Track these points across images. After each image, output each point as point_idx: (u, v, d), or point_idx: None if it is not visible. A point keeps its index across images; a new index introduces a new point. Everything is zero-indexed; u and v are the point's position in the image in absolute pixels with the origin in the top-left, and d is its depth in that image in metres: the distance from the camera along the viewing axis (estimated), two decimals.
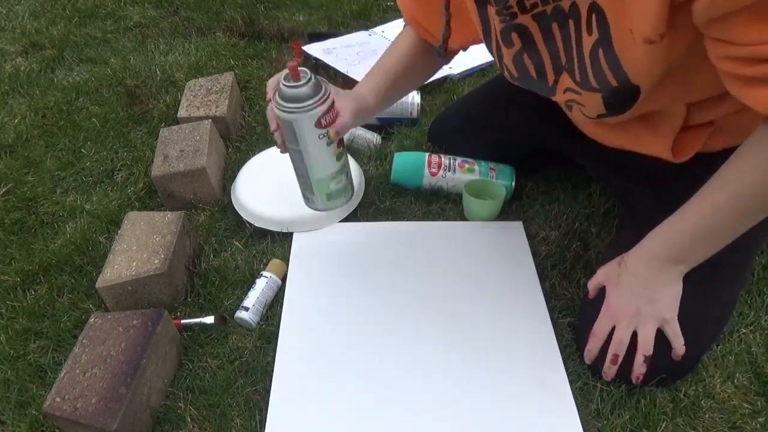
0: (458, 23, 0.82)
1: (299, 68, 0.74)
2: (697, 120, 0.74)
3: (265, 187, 1.03)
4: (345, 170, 0.85)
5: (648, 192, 0.86)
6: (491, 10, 0.72)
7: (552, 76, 0.73)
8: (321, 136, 0.77)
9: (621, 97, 0.67)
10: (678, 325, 0.73)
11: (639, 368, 0.74)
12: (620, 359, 0.74)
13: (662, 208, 0.73)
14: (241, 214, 1.01)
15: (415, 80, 1.00)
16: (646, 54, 0.60)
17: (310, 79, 0.74)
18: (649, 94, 0.66)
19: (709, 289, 0.77)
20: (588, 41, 0.64)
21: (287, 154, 0.82)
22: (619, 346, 0.74)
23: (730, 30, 0.54)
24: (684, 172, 0.75)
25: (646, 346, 0.73)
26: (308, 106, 0.74)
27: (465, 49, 0.91)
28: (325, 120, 0.76)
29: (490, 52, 0.80)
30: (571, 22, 0.65)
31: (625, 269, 0.76)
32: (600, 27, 0.62)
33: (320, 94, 0.75)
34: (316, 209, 0.88)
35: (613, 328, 0.75)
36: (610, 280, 0.78)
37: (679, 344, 0.73)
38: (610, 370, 0.75)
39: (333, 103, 0.77)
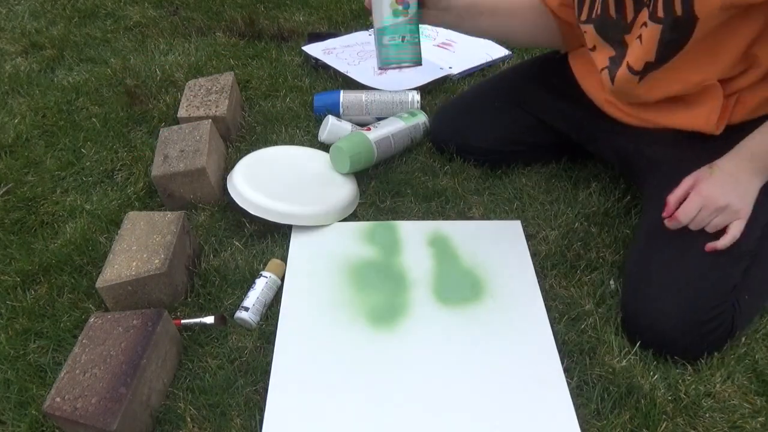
0: None
1: None
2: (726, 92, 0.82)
3: (264, 181, 1.02)
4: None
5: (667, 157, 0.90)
6: None
7: (631, 15, 0.81)
8: None
9: (677, 31, 0.75)
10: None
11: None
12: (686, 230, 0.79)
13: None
14: (237, 201, 0.98)
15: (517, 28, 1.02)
16: None
17: None
18: (688, 58, 0.76)
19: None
20: None
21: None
22: (696, 225, 0.79)
23: None
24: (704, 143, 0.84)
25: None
26: None
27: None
28: None
29: None
30: None
31: (717, 169, 0.80)
32: None
33: None
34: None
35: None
36: (701, 177, 0.81)
37: (730, 237, 0.77)
38: (671, 224, 0.80)
39: None
